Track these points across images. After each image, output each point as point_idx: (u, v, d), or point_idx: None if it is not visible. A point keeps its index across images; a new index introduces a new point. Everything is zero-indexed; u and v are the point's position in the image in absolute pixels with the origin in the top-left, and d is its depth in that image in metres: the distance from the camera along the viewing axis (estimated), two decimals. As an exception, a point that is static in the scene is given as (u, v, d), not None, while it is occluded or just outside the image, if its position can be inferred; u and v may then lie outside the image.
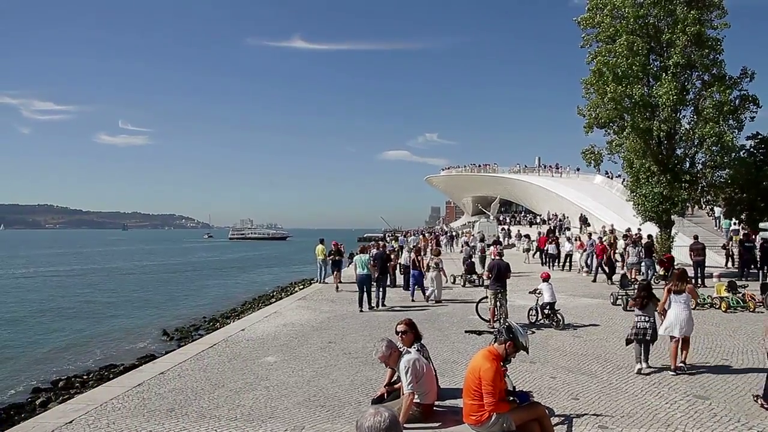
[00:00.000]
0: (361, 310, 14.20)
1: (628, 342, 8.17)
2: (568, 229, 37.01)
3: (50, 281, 39.57)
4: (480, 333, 10.76)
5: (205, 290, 34.10)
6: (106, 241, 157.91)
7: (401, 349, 6.21)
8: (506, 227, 44.46)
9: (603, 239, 22.76)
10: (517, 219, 54.55)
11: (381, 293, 15.09)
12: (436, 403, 6.25)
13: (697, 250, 18.59)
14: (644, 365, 7.87)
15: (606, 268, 19.14)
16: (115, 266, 55.90)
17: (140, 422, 6.22)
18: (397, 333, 6.70)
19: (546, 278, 12.20)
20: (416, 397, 5.84)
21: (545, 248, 26.15)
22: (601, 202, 39.81)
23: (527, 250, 29.58)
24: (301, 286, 26.26)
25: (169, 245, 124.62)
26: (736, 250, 20.30)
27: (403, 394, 5.83)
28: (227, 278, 42.52)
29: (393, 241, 36.61)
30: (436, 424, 5.84)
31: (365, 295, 14.48)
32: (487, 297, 11.98)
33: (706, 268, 18.51)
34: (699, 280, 17.58)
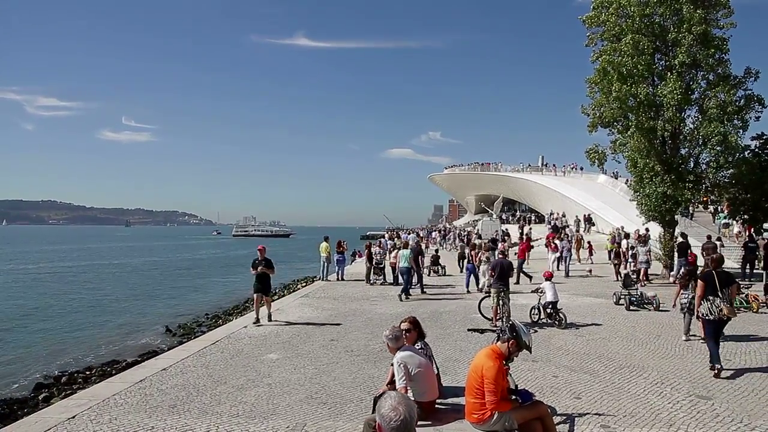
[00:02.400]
0: (408, 298, 15.93)
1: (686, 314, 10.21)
2: (567, 227, 37.04)
3: (56, 277, 39.69)
4: (482, 331, 10.81)
5: (208, 287, 34.18)
6: (111, 237, 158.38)
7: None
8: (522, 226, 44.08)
9: (530, 238, 23.20)
10: (518, 217, 54.43)
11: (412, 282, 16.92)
12: (438, 401, 6.25)
13: (709, 249, 18.65)
14: (685, 336, 10.06)
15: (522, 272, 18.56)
16: (119, 262, 56.03)
17: (142, 418, 6.23)
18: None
19: (549, 277, 12.19)
20: (411, 394, 5.85)
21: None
22: (605, 201, 39.78)
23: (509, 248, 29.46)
24: (304, 284, 26.33)
25: (174, 242, 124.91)
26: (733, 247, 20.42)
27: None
28: (230, 275, 42.57)
29: (396, 239, 36.68)
30: (438, 422, 5.83)
31: (407, 284, 16.36)
32: (489, 295, 11.97)
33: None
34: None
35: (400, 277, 19.35)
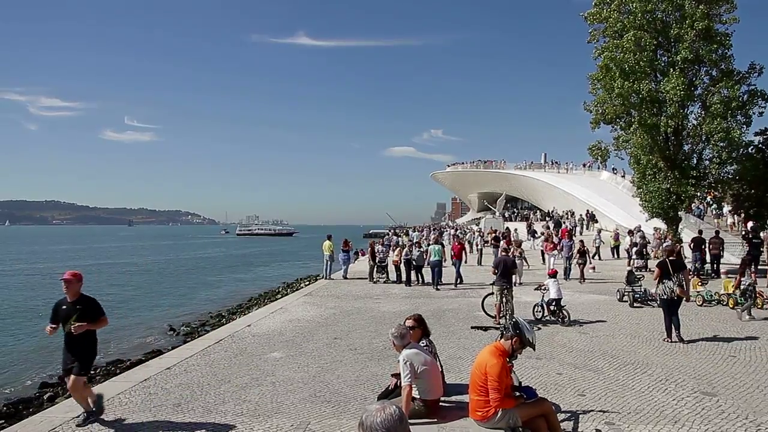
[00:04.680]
0: (437, 289, 17.57)
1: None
2: (564, 224, 37.07)
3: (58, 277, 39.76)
4: (486, 329, 10.78)
5: (212, 286, 34.20)
6: (115, 237, 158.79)
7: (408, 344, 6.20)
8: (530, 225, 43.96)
9: (462, 238, 22.86)
10: (516, 214, 54.29)
11: (439, 278, 18.27)
12: (442, 398, 6.24)
13: (715, 244, 19.31)
14: (748, 317, 11.50)
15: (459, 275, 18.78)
16: (124, 261, 56.17)
17: (147, 417, 6.23)
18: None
19: (553, 274, 12.17)
20: (417, 392, 5.85)
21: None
22: (608, 198, 39.69)
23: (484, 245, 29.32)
24: (307, 282, 26.32)
25: (181, 241, 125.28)
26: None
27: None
28: (234, 274, 42.64)
29: (404, 236, 37.02)
30: (442, 420, 5.83)
31: (437, 277, 17.99)
32: (493, 293, 11.96)
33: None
34: (715, 272, 18.71)
35: (403, 275, 19.40)
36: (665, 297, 9.57)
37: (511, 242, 21.85)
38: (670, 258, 9.91)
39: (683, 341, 9.34)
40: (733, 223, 26.90)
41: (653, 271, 10.86)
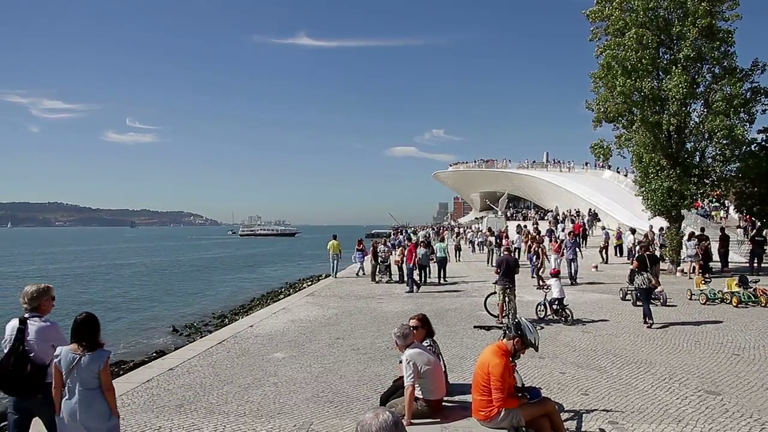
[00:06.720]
0: (440, 283, 18.96)
1: None
2: (563, 222, 37.01)
3: (69, 279, 39.77)
4: (489, 328, 10.74)
5: (214, 286, 34.22)
6: (119, 238, 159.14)
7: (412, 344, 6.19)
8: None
9: (414, 240, 22.66)
10: (512, 214, 54.23)
11: (443, 272, 19.74)
12: (445, 398, 6.23)
13: (722, 241, 19.99)
14: None
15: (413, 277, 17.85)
16: (128, 263, 56.26)
17: (149, 418, 6.24)
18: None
19: (555, 274, 12.15)
20: (420, 392, 5.84)
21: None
22: (610, 197, 39.60)
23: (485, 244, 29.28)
24: (309, 283, 26.33)
25: (183, 242, 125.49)
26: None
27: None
28: (236, 274, 42.66)
29: (412, 236, 37.18)
30: (446, 420, 5.82)
31: (442, 271, 19.50)
32: (495, 292, 11.94)
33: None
34: (721, 270, 19.32)
35: (405, 275, 19.38)
36: (644, 286, 10.89)
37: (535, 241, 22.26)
38: (647, 253, 11.60)
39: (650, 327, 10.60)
40: (724, 218, 27.08)
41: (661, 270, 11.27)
